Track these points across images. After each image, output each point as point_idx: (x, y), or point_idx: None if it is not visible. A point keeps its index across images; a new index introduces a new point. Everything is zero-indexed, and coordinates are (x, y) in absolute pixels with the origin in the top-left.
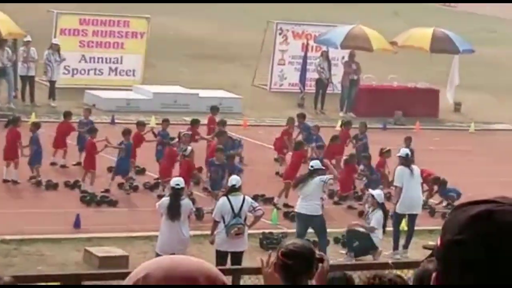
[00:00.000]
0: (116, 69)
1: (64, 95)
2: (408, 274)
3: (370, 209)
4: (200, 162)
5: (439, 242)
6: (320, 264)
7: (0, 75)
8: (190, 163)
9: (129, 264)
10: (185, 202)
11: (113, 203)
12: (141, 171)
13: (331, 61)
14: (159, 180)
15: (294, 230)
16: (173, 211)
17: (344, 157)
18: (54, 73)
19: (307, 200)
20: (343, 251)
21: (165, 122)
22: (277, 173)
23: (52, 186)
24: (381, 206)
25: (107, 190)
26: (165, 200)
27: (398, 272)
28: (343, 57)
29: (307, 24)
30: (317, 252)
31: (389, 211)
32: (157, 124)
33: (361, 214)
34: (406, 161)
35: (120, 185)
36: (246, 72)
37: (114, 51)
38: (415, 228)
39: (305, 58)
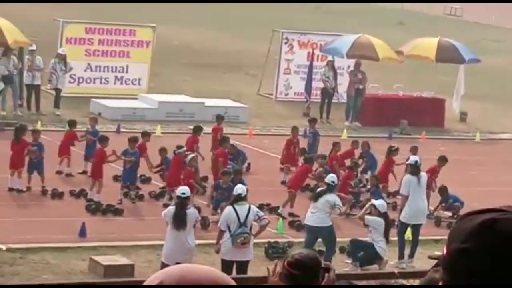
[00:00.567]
0: (121, 78)
1: (70, 104)
2: (414, 284)
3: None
4: (205, 170)
5: (445, 251)
6: (326, 274)
7: (6, 83)
8: (189, 172)
9: (135, 273)
10: (191, 211)
11: (118, 212)
12: (147, 180)
13: (337, 71)
14: (165, 189)
15: (300, 240)
16: (179, 220)
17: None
18: (59, 82)
19: (316, 211)
20: (349, 261)
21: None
22: (282, 182)
23: (57, 194)
24: (384, 216)
25: (120, 201)
26: (171, 209)
27: (404, 281)
28: (348, 67)
29: (312, 33)
30: (323, 262)
31: (395, 221)
32: (162, 133)
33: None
34: (415, 168)
35: (125, 194)
36: (252, 81)
37: (120, 60)
38: (421, 237)
39: (310, 67)
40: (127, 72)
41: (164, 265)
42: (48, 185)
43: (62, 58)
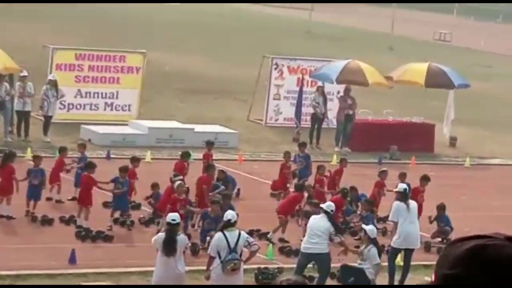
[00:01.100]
0: (111, 104)
1: (60, 130)
2: None
3: (363, 245)
4: (192, 197)
5: (433, 277)
6: None
7: None
8: (175, 198)
9: None
10: (181, 237)
11: (108, 239)
12: (137, 206)
13: (327, 96)
14: (154, 215)
15: (290, 265)
16: (169, 247)
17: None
18: (50, 108)
19: (314, 237)
20: None
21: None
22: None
23: (47, 221)
24: (373, 241)
25: (110, 227)
26: (161, 235)
27: None
28: (338, 92)
29: (302, 59)
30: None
31: (384, 246)
32: (152, 159)
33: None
34: (404, 196)
35: (122, 222)
36: (242, 106)
37: (110, 86)
38: (411, 263)
39: (300, 93)
40: (117, 98)
41: None
42: (38, 211)
43: (54, 84)
